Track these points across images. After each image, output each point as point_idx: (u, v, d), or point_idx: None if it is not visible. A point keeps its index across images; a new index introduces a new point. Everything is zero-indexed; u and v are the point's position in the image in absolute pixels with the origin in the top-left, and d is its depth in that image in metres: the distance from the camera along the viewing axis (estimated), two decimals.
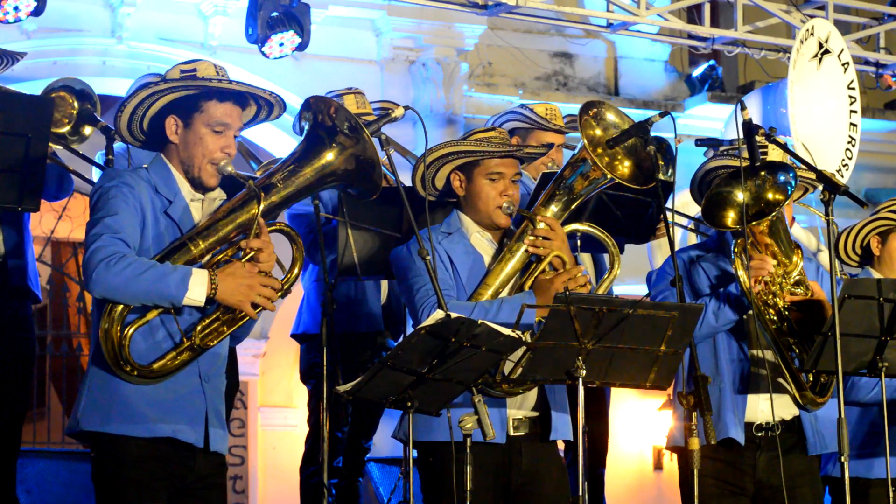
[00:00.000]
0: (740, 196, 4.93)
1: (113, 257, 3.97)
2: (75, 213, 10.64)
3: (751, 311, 4.97)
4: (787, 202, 4.95)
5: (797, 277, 5.01)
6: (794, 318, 5.01)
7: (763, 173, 4.98)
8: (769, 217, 4.89)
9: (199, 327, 4.11)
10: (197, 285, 4.01)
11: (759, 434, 5.06)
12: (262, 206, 4.13)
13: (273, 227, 4.22)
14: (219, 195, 4.31)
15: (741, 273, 4.87)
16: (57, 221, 10.91)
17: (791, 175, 4.95)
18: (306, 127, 4.27)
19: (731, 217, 4.95)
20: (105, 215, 4.07)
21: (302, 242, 4.28)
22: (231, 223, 4.16)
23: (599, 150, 4.82)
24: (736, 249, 4.91)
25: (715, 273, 5.17)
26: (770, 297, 4.96)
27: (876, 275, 5.57)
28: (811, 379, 5.04)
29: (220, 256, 4.13)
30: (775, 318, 4.98)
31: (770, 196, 4.96)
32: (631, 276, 6.94)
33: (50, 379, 12.21)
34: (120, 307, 4.03)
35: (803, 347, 4.98)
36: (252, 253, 4.11)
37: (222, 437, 4.25)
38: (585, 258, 6.13)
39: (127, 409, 4.08)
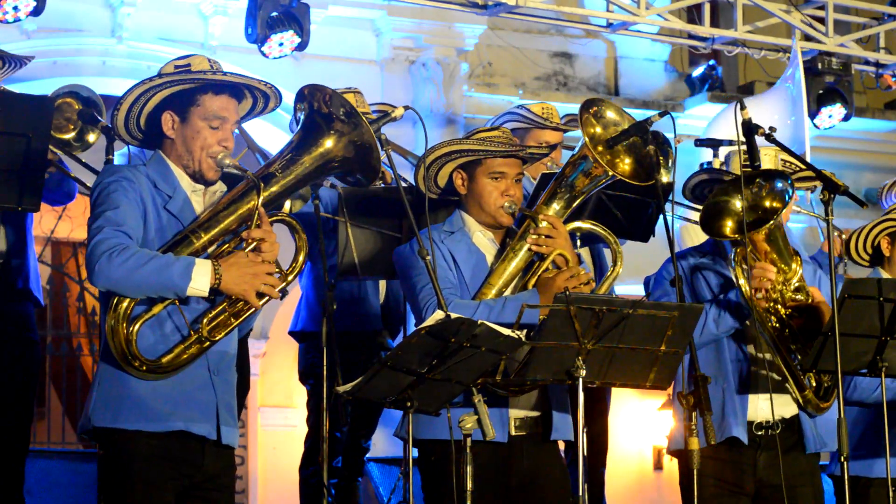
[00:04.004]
0: (738, 205, 4.92)
1: (115, 249, 3.98)
2: (75, 213, 10.63)
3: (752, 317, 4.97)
4: (784, 210, 4.94)
5: (797, 284, 5.01)
6: (796, 325, 5.01)
7: (759, 181, 4.97)
8: (767, 225, 4.88)
9: (205, 320, 4.11)
10: (200, 275, 4.01)
11: (759, 433, 5.06)
12: (262, 197, 4.13)
13: (275, 218, 4.23)
14: (219, 188, 4.31)
15: (742, 282, 4.87)
16: (57, 221, 10.91)
17: (788, 182, 4.95)
18: (302, 117, 4.27)
19: (729, 226, 4.94)
20: (107, 209, 4.08)
21: (304, 232, 4.28)
22: (232, 214, 4.16)
23: (600, 148, 4.82)
24: (736, 258, 4.91)
25: (716, 281, 5.17)
26: (771, 304, 4.96)
27: (885, 275, 5.56)
28: (814, 384, 5.04)
29: (223, 248, 4.14)
30: (777, 324, 4.98)
31: (768, 204, 4.96)
32: (631, 276, 6.93)
33: (50, 379, 12.21)
34: (125, 302, 4.03)
35: (805, 353, 4.98)
36: (254, 243, 4.11)
37: (233, 432, 4.25)
38: (584, 253, 6.13)
39: (138, 404, 4.08)
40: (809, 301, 5.00)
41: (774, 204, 4.94)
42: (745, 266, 4.89)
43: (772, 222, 4.88)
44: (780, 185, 4.95)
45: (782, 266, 4.97)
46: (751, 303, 4.87)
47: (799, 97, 8.88)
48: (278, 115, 4.52)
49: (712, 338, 5.04)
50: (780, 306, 4.97)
